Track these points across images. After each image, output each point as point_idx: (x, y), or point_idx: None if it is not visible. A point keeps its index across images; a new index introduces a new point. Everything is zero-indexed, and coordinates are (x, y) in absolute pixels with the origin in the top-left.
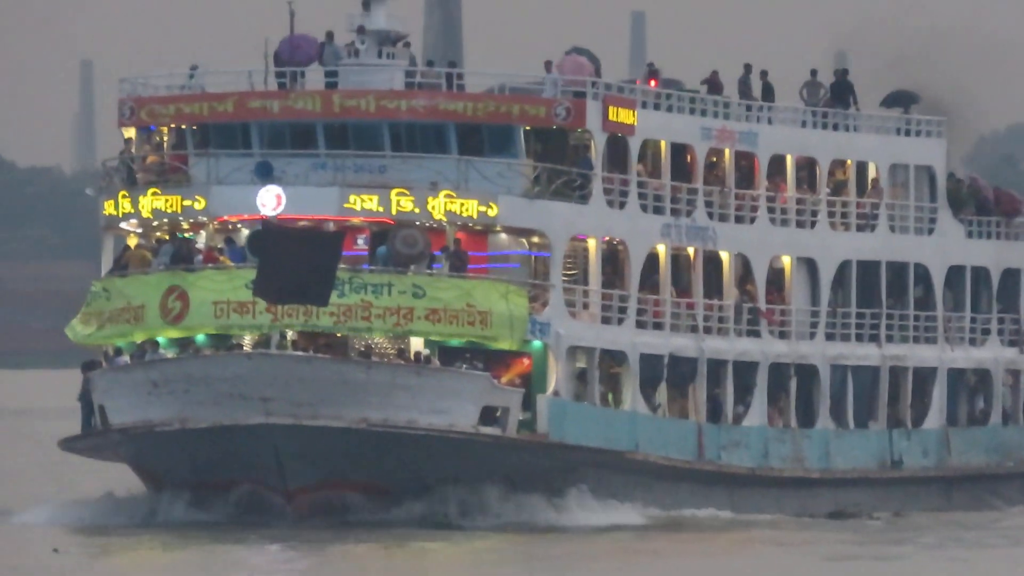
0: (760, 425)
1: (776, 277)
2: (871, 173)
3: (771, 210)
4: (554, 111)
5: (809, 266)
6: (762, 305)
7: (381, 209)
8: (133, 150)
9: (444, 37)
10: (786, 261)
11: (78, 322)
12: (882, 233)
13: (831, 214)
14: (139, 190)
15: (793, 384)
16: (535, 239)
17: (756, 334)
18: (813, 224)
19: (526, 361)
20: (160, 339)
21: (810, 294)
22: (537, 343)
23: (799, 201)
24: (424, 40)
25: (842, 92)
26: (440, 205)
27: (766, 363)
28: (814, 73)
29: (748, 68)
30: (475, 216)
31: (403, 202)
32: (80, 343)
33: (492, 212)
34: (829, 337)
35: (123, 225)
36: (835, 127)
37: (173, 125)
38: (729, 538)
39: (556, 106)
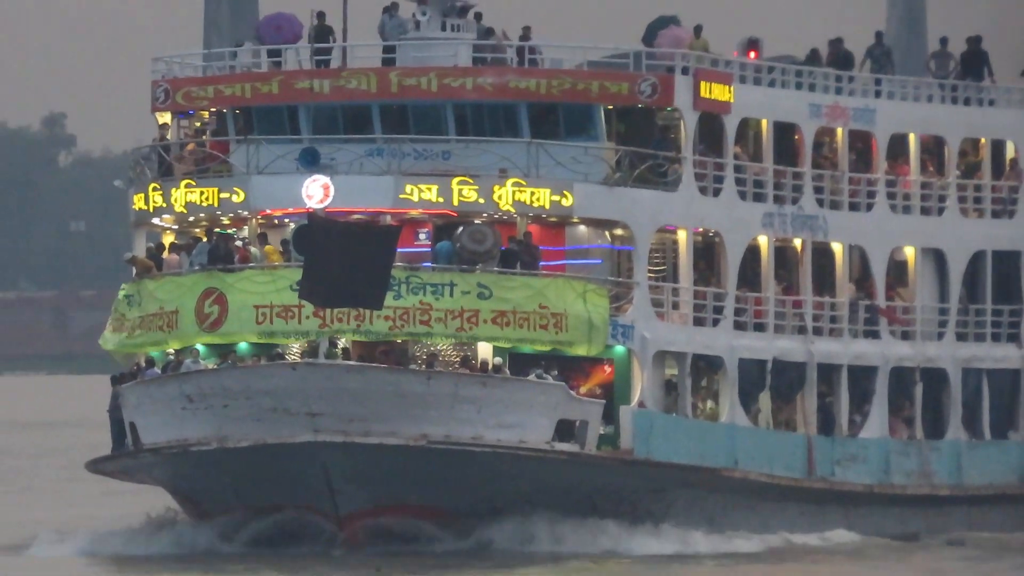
0: (880, 437)
1: (898, 271)
2: (1009, 153)
3: (891, 196)
4: (638, 88)
5: (936, 258)
6: (881, 302)
7: (441, 200)
8: (169, 137)
9: (907, 27)
10: (909, 253)
11: (109, 329)
12: (1022, 220)
13: (962, 199)
14: (172, 182)
15: (919, 390)
16: (618, 231)
17: (875, 335)
18: (941, 211)
19: (607, 368)
20: (200, 347)
21: (938, 289)
22: (620, 348)
23: (924, 185)
24: (887, 30)
25: (975, 63)
26: (508, 195)
27: (886, 367)
28: (944, 42)
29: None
30: (548, 206)
31: (466, 192)
32: (112, 352)
33: (567, 202)
34: (960, 337)
35: (156, 221)
36: (967, 102)
37: (213, 109)
38: (846, 569)
39: (640, 82)
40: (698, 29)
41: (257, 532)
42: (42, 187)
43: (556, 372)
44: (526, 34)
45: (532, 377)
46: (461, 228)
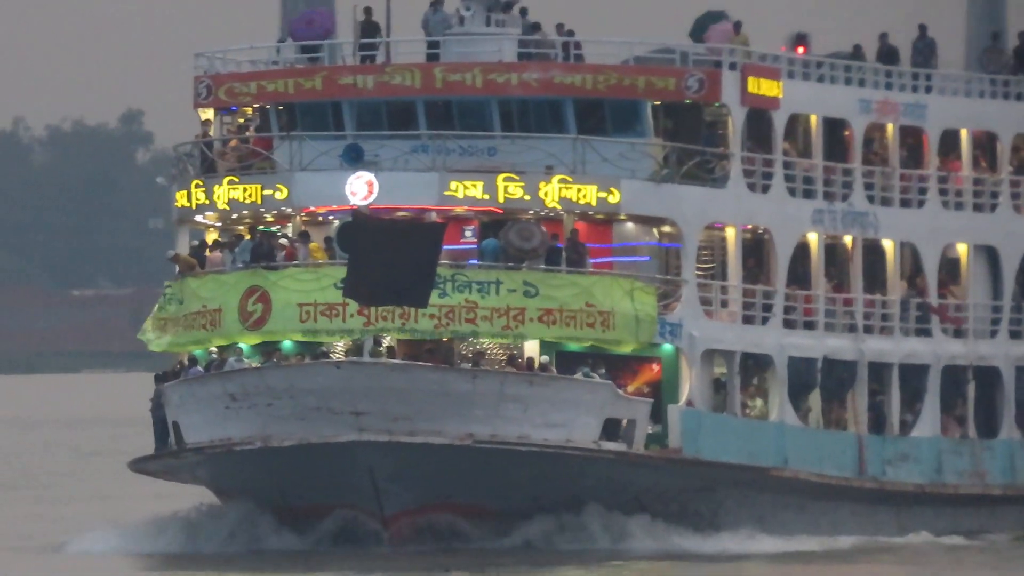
0: (932, 436)
1: (950, 268)
2: None
3: (943, 192)
4: (685, 83)
5: (989, 255)
6: (933, 300)
7: (487, 197)
8: (211, 133)
9: (988, 21)
10: (961, 250)
11: (151, 327)
12: None
13: (1015, 195)
14: (214, 179)
15: (971, 389)
16: (665, 228)
17: (926, 333)
18: (993, 207)
19: (655, 367)
20: (243, 346)
21: (990, 286)
22: (667, 346)
23: (976, 181)
24: (967, 24)
25: None
26: (554, 191)
27: (938, 366)
28: (995, 37)
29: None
30: (594, 203)
31: (511, 189)
32: (155, 351)
33: (613, 198)
34: (1014, 335)
35: (198, 218)
36: (1019, 97)
37: (256, 105)
38: (897, 570)
39: (687, 77)
40: (738, 25)
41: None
42: (120, 184)
43: (603, 371)
44: (562, 30)
45: (579, 375)
46: (509, 225)
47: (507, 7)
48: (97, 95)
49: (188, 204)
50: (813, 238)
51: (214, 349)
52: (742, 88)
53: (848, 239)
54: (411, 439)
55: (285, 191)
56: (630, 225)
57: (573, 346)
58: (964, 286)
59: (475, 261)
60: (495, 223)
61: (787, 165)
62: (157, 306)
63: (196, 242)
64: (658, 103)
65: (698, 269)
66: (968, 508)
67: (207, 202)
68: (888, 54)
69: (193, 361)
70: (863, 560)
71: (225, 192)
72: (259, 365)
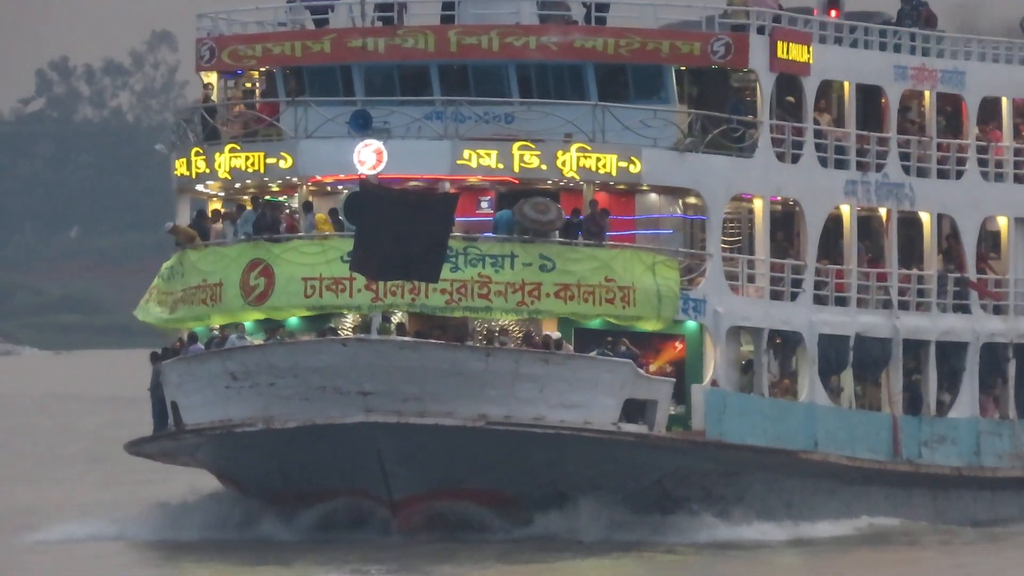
0: (970, 417)
1: (990, 241)
2: None
3: (983, 163)
4: (711, 48)
5: None
6: (972, 275)
7: (501, 166)
8: (214, 98)
9: None
10: (1002, 222)
11: (150, 302)
12: None
13: None
14: (216, 146)
15: (1012, 367)
16: (690, 199)
17: (965, 309)
18: None
19: (678, 345)
20: (247, 323)
21: None
22: (691, 323)
23: (1018, 152)
24: None
25: None
26: (572, 160)
27: (977, 343)
28: None
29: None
30: (614, 173)
31: (527, 158)
32: (153, 326)
33: (634, 168)
34: None
35: (200, 187)
36: None
37: (262, 68)
38: (933, 556)
39: (713, 42)
40: None
41: (310, 519)
42: None
43: (624, 349)
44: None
45: (594, 354)
46: (523, 199)
47: None
48: None
49: (188, 173)
50: (846, 210)
51: (215, 326)
52: (771, 53)
53: (883, 211)
54: (421, 420)
55: (290, 159)
56: (653, 196)
57: (591, 323)
58: (1005, 260)
59: (490, 234)
60: (512, 194)
61: (818, 134)
62: (157, 278)
63: (196, 212)
64: (683, 68)
65: (724, 242)
66: (1008, 492)
67: (207, 171)
68: (907, 17)
69: (193, 338)
70: (898, 546)
71: (227, 160)
72: (262, 342)
